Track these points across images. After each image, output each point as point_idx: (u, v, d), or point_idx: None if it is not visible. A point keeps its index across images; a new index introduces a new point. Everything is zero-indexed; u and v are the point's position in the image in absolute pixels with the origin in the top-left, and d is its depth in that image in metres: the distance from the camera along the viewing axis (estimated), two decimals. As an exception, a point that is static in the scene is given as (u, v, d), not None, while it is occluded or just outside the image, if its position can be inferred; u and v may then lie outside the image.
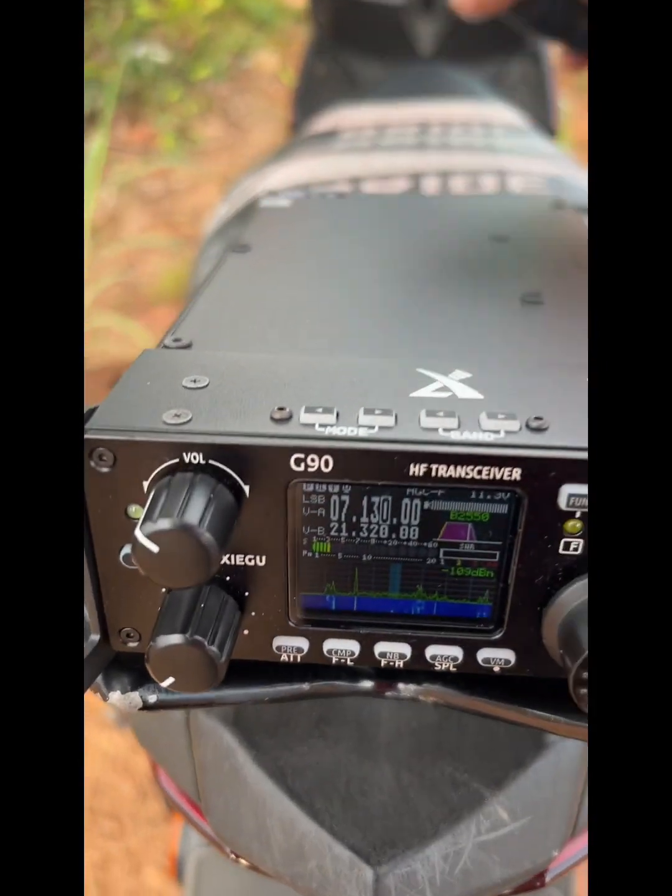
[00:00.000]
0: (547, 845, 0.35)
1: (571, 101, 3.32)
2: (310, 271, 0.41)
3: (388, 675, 0.31)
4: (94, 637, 0.30)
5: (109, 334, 2.09)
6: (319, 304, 0.37)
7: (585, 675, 0.24)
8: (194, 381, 0.28)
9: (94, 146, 2.10)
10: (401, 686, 0.31)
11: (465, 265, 0.41)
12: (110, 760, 1.29)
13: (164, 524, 0.23)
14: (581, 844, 0.40)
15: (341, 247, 0.45)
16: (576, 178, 0.71)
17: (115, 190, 2.61)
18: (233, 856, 0.38)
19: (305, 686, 0.31)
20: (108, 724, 1.32)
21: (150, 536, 0.23)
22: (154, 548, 0.23)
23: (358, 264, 0.42)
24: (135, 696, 0.31)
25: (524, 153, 0.75)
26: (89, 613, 0.29)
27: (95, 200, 2.17)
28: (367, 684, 0.31)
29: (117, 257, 2.34)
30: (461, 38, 1.15)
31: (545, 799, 0.35)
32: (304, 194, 0.54)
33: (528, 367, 0.29)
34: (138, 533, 0.24)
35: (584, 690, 0.25)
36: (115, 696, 0.31)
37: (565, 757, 0.36)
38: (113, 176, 2.58)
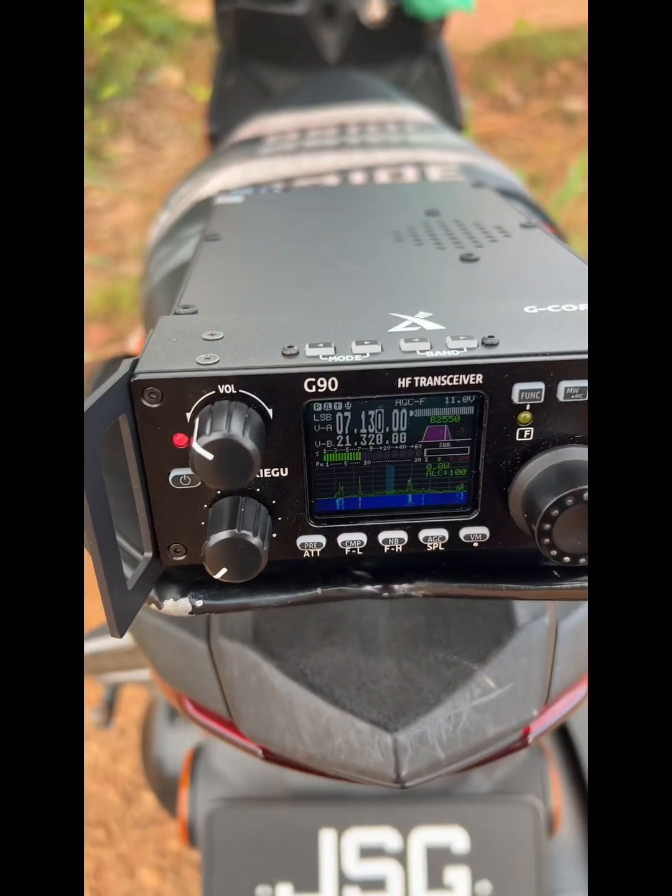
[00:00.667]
0: (527, 705, 0.43)
1: (471, 100, 3.44)
2: (279, 250, 0.47)
3: (385, 578, 0.37)
4: (147, 555, 0.35)
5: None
6: (295, 273, 0.43)
7: (547, 526, 0.31)
8: (212, 335, 0.34)
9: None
10: (396, 586, 0.37)
11: (410, 234, 0.48)
12: (91, 771, 1.30)
13: (216, 435, 0.29)
14: (556, 710, 0.48)
15: (300, 229, 0.52)
16: (486, 164, 0.78)
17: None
18: (263, 755, 0.44)
19: (319, 591, 0.37)
20: (88, 735, 1.34)
21: (205, 447, 0.29)
22: (209, 456, 0.29)
23: (318, 241, 0.48)
24: (184, 602, 0.36)
25: (437, 146, 0.82)
26: (143, 534, 0.34)
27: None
28: (369, 587, 0.37)
29: (42, 280, 2.33)
30: (364, 44, 1.22)
31: (522, 667, 0.43)
32: (252, 191, 0.60)
33: (475, 306, 0.36)
34: (195, 445, 0.29)
35: (547, 539, 0.31)
36: (168, 603, 0.36)
37: (535, 633, 0.44)
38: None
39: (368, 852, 0.58)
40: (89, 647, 0.86)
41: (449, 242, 0.46)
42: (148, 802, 1.26)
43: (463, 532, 0.35)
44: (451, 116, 1.29)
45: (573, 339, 0.32)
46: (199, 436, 0.30)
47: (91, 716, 1.02)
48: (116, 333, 2.20)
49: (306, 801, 0.59)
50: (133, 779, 1.29)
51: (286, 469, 0.33)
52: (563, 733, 0.76)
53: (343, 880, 0.58)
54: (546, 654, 0.44)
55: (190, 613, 0.36)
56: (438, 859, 0.58)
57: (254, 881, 0.58)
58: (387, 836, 0.59)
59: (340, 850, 0.58)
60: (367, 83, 1.12)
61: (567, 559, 0.32)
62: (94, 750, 1.33)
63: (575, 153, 3.05)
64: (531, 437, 0.33)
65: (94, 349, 2.06)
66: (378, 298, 0.38)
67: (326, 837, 0.58)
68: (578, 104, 3.59)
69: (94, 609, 1.41)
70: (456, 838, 0.58)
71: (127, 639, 0.63)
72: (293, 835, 0.59)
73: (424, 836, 0.58)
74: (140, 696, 1.34)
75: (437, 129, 0.91)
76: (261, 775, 0.61)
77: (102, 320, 2.23)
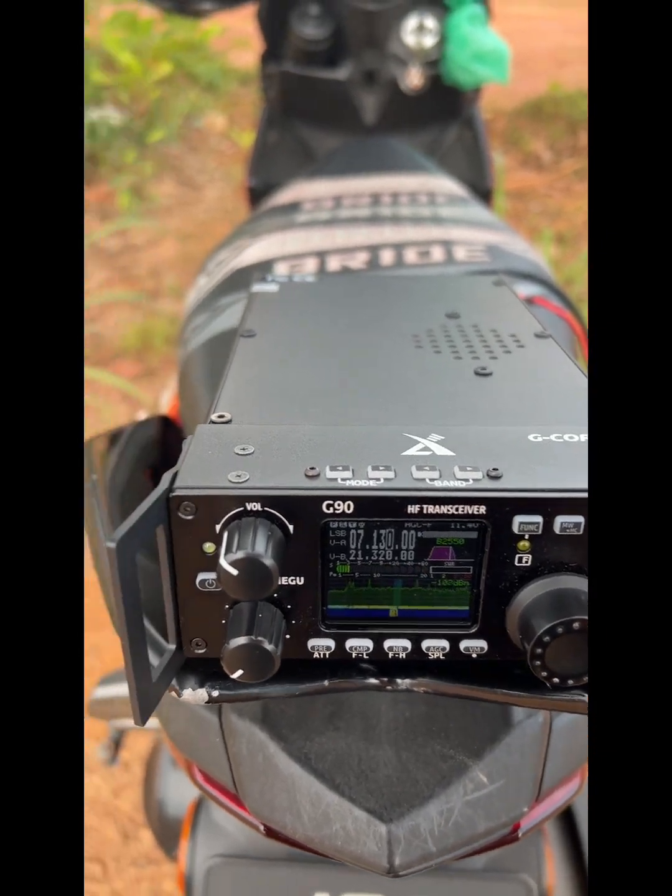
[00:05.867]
0: (518, 802, 0.44)
1: (504, 156, 3.51)
2: (307, 352, 0.51)
3: (388, 672, 0.39)
4: (171, 646, 0.38)
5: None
6: (322, 378, 0.47)
7: (539, 650, 0.33)
8: (243, 449, 0.37)
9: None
10: (399, 680, 0.39)
11: (429, 338, 0.52)
12: (91, 804, 1.31)
13: (241, 553, 0.32)
14: (545, 806, 0.48)
15: (329, 326, 0.55)
16: (512, 244, 0.81)
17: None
18: (264, 831, 0.46)
19: (326, 683, 0.39)
20: (89, 768, 1.34)
21: (231, 563, 0.32)
22: (234, 571, 0.32)
23: (344, 343, 0.52)
24: (202, 692, 0.39)
25: (466, 222, 0.85)
26: (169, 628, 0.38)
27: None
28: (373, 680, 0.39)
29: (79, 313, 2.40)
30: (402, 109, 1.26)
31: (515, 765, 0.44)
32: (286, 279, 0.63)
33: (484, 428, 0.39)
34: (223, 561, 0.32)
35: (538, 662, 0.34)
36: (188, 692, 0.39)
37: (529, 731, 0.45)
38: (71, 234, 2.65)
39: None
40: (102, 692, 0.87)
41: (465, 351, 0.49)
42: (146, 841, 1.26)
43: (463, 644, 0.38)
44: (481, 179, 1.33)
45: (569, 475, 0.34)
46: (226, 552, 0.32)
47: (97, 752, 1.03)
48: (148, 368, 2.25)
49: (303, 863, 0.60)
50: (133, 816, 1.29)
51: (302, 578, 0.36)
52: (562, 812, 0.76)
53: None
54: (539, 750, 0.45)
55: (207, 703, 0.39)
56: None
57: (247, 937, 0.58)
58: None
59: None
60: (401, 152, 1.16)
61: (556, 680, 0.34)
62: (96, 783, 1.33)
63: (607, 213, 3.09)
64: (529, 563, 0.35)
65: (127, 381, 2.12)
66: (396, 413, 0.42)
67: None
68: (612, 165, 3.64)
69: (109, 640, 1.42)
70: None
71: None
72: (289, 895, 0.59)
73: None
74: (147, 733, 1.35)
75: (467, 203, 0.94)
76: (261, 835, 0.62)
77: (135, 356, 2.29)
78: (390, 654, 0.38)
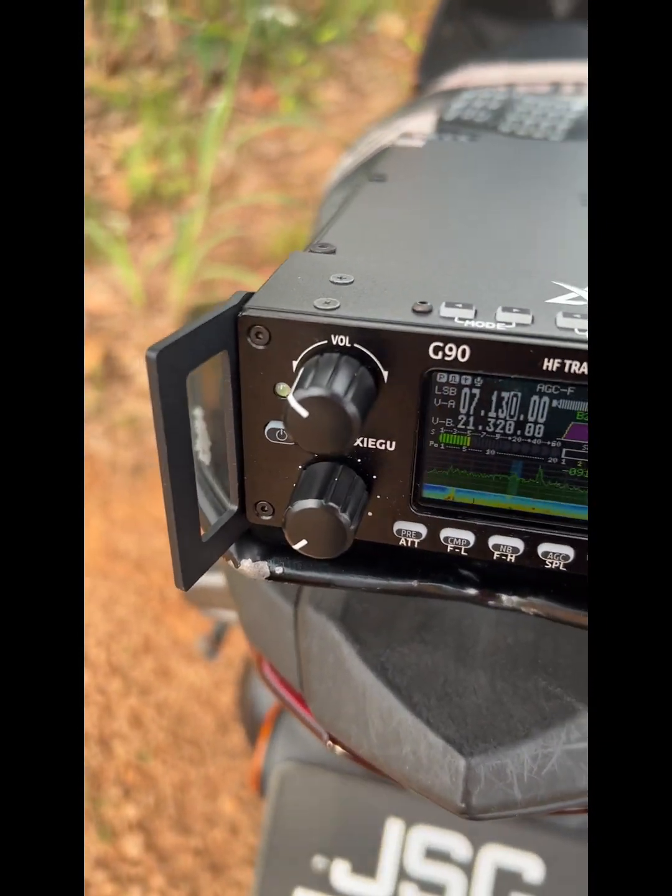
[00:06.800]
0: None
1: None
2: (444, 200, 0.43)
3: (493, 584, 0.32)
4: (232, 507, 0.33)
5: (221, 285, 2.15)
6: (454, 226, 0.38)
7: None
8: (340, 278, 0.30)
9: (218, 107, 2.15)
10: (504, 596, 0.32)
11: (585, 207, 0.42)
12: (195, 692, 1.36)
13: (315, 391, 0.26)
14: None
15: (478, 181, 0.46)
16: None
17: (234, 150, 2.66)
18: (329, 741, 0.41)
19: (414, 583, 0.33)
20: (195, 657, 1.39)
21: (301, 402, 0.26)
22: (304, 412, 0.26)
23: (494, 196, 0.43)
24: (263, 566, 0.34)
25: None
26: (231, 485, 0.32)
27: (214, 160, 2.22)
28: (472, 591, 0.33)
29: (232, 214, 2.39)
30: None
31: None
32: (437, 137, 0.55)
33: None
34: (291, 398, 0.26)
35: None
36: (246, 563, 0.34)
37: None
38: (232, 136, 2.63)
39: (434, 854, 0.55)
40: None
41: None
42: (239, 734, 1.30)
43: None
44: None
45: None
46: (297, 388, 0.26)
47: (198, 644, 1.05)
48: (292, 278, 2.22)
49: (381, 784, 0.57)
50: (231, 709, 1.33)
51: (394, 443, 0.29)
52: None
53: (402, 875, 0.55)
54: None
55: (267, 579, 0.34)
56: (506, 883, 0.54)
57: (313, 849, 0.57)
58: (456, 843, 0.55)
59: (405, 843, 0.55)
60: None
61: None
62: (201, 673, 1.38)
63: None
64: None
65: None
66: (546, 263, 0.33)
67: (393, 827, 0.56)
68: None
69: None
70: (530, 866, 0.54)
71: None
72: (361, 815, 0.57)
73: (496, 855, 0.54)
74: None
75: None
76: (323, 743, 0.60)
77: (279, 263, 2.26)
78: (496, 554, 0.31)
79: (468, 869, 0.54)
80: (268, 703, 0.85)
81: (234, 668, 1.38)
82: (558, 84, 0.83)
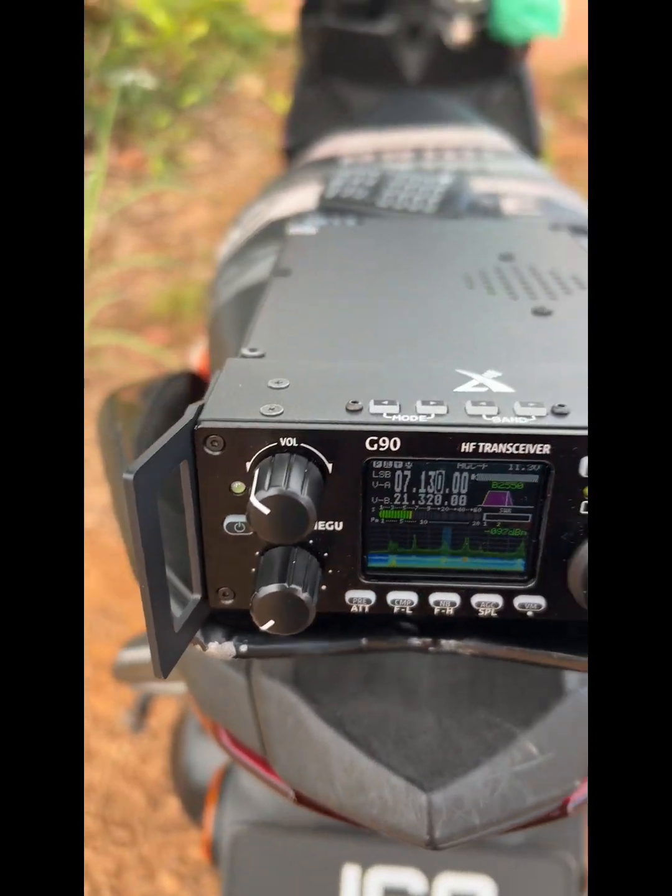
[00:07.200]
0: (570, 775, 0.41)
1: (552, 121, 3.40)
2: (349, 290, 0.47)
3: (432, 632, 0.36)
4: (196, 596, 0.35)
5: (107, 352, 2.13)
6: (363, 317, 0.43)
7: None
8: (277, 383, 0.34)
9: (91, 172, 2.15)
10: (443, 641, 0.36)
11: (482, 279, 0.47)
12: (120, 769, 1.31)
13: (274, 491, 0.29)
14: None
15: (371, 267, 0.51)
16: (563, 199, 0.76)
17: (107, 214, 2.66)
18: (295, 799, 0.44)
19: (363, 641, 0.36)
20: (117, 733, 1.35)
21: (263, 501, 0.29)
22: (266, 510, 0.29)
23: (389, 283, 0.48)
24: (229, 646, 0.36)
25: (515, 176, 0.80)
26: (193, 576, 0.35)
27: (92, 226, 2.22)
28: (416, 641, 0.36)
29: (111, 279, 2.38)
30: (447, 65, 1.21)
31: (567, 737, 0.41)
32: (326, 222, 0.60)
33: (547, 365, 0.35)
34: (253, 499, 0.29)
35: None
36: (213, 645, 0.36)
37: (582, 700, 0.42)
38: (104, 200, 2.63)
39: (392, 892, 0.57)
40: (128, 655, 0.86)
41: (522, 292, 0.45)
42: (173, 807, 1.26)
43: (518, 600, 0.34)
44: (529, 140, 1.28)
45: None
46: (257, 489, 0.29)
47: (124, 718, 1.02)
48: (178, 336, 2.23)
49: (333, 833, 0.58)
50: (160, 782, 1.30)
51: (341, 523, 0.33)
52: None
53: None
54: None
55: (234, 657, 0.36)
56: None
57: (273, 910, 0.57)
58: (411, 879, 0.57)
59: (363, 887, 0.57)
60: (446, 106, 1.11)
61: None
62: (125, 749, 1.34)
63: (652, 182, 2.98)
64: None
65: (157, 348, 2.10)
66: (446, 351, 0.38)
67: (350, 873, 0.57)
68: (659, 132, 3.51)
69: (137, 609, 1.42)
70: (482, 888, 0.56)
71: None
72: (317, 866, 0.58)
73: (451, 883, 0.57)
74: (174, 700, 1.35)
75: (515, 157, 0.89)
76: (289, 802, 0.61)
77: (166, 322, 2.27)
78: (436, 610, 0.35)
79: None
80: (206, 770, 0.84)
81: (160, 739, 1.35)
82: (420, 149, 0.90)
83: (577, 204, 0.77)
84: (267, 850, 0.58)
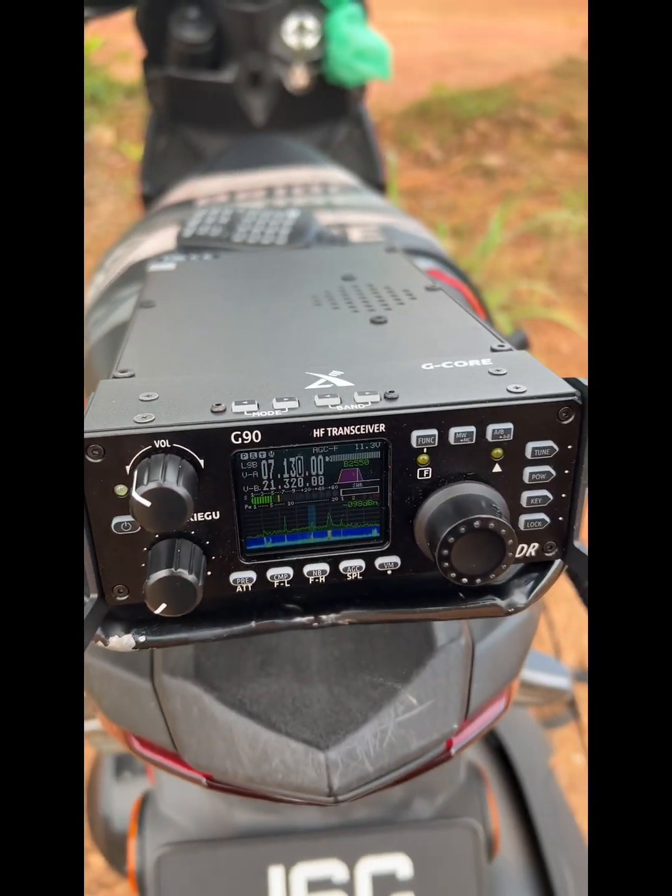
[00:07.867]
0: (448, 720, 0.47)
1: (395, 155, 3.60)
2: (208, 316, 0.52)
3: (314, 609, 0.40)
4: (93, 596, 0.38)
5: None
6: (223, 337, 0.47)
7: (445, 552, 0.36)
8: (148, 395, 0.37)
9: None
10: (324, 616, 0.40)
11: (327, 298, 0.53)
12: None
13: (152, 485, 0.33)
14: (475, 725, 0.51)
15: (228, 295, 0.56)
16: (402, 225, 0.84)
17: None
18: (206, 783, 0.46)
19: (253, 624, 0.40)
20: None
21: (143, 495, 0.33)
22: (147, 503, 0.33)
23: (245, 307, 0.53)
24: (128, 638, 0.39)
25: (359, 208, 0.88)
26: (87, 577, 0.37)
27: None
28: (300, 619, 0.40)
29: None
30: (290, 109, 1.28)
31: (441, 685, 0.47)
32: (184, 258, 0.64)
33: (381, 364, 0.41)
34: (134, 493, 0.33)
35: (446, 563, 0.36)
36: (114, 639, 0.39)
37: (452, 653, 0.48)
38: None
39: (316, 885, 0.60)
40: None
41: (362, 305, 0.51)
42: (95, 866, 1.23)
43: (377, 562, 0.39)
44: (373, 175, 1.37)
45: (460, 391, 0.37)
46: (137, 485, 0.33)
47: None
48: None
49: (253, 839, 0.60)
50: (102, 865, 1.25)
51: (218, 513, 0.37)
52: (500, 755, 0.79)
53: None
54: (464, 671, 0.48)
55: (134, 648, 0.39)
56: (384, 887, 0.59)
57: (205, 924, 0.58)
58: (333, 868, 0.60)
59: (289, 885, 0.59)
60: (292, 147, 1.18)
61: (465, 580, 0.36)
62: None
63: (495, 205, 3.22)
64: (429, 476, 0.37)
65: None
66: (297, 358, 0.43)
67: (275, 874, 0.59)
68: (497, 160, 3.79)
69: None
70: (400, 865, 0.60)
71: None
72: (242, 874, 0.60)
73: (370, 866, 0.60)
74: (85, 754, 1.31)
75: (359, 191, 0.97)
76: (208, 816, 0.62)
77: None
78: (310, 579, 0.39)
79: (349, 887, 0.59)
80: (124, 816, 0.84)
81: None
82: (271, 188, 0.96)
83: (415, 229, 0.85)
84: (192, 868, 0.59)
